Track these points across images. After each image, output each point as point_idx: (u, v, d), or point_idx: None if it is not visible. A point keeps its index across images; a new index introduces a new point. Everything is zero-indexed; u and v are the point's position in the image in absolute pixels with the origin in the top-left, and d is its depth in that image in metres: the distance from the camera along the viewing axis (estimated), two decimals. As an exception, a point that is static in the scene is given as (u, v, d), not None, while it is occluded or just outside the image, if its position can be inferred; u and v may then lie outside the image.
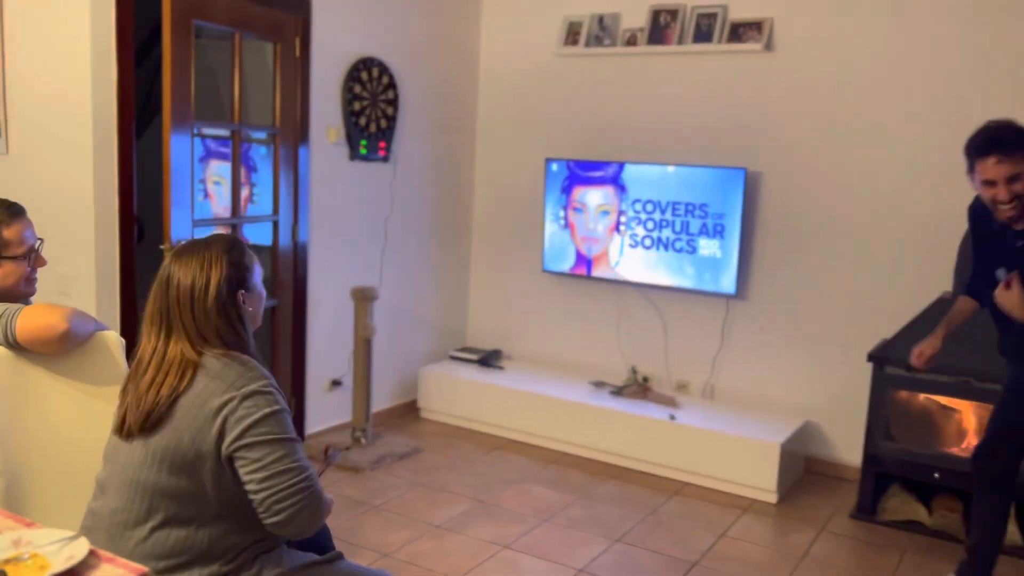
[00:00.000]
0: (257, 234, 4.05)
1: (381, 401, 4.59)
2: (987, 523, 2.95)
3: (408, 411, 4.80)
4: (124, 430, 1.74)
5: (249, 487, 1.65)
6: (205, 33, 3.87)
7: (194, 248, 1.80)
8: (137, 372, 1.77)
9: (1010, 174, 2.48)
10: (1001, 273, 2.64)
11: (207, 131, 3.75)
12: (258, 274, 1.86)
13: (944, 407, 3.62)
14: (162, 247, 3.31)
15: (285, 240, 3.94)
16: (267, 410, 1.67)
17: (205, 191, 4.36)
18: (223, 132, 3.79)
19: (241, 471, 1.66)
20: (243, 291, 1.78)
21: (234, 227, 3.71)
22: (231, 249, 1.80)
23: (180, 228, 3.29)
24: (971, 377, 3.36)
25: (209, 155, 4.36)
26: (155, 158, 3.38)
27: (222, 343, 1.74)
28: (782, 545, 3.41)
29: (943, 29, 3.73)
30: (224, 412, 1.66)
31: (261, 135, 3.96)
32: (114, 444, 1.79)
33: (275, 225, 3.91)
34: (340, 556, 1.96)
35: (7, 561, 1.36)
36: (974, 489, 3.00)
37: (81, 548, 1.41)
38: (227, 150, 3.85)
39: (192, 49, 3.27)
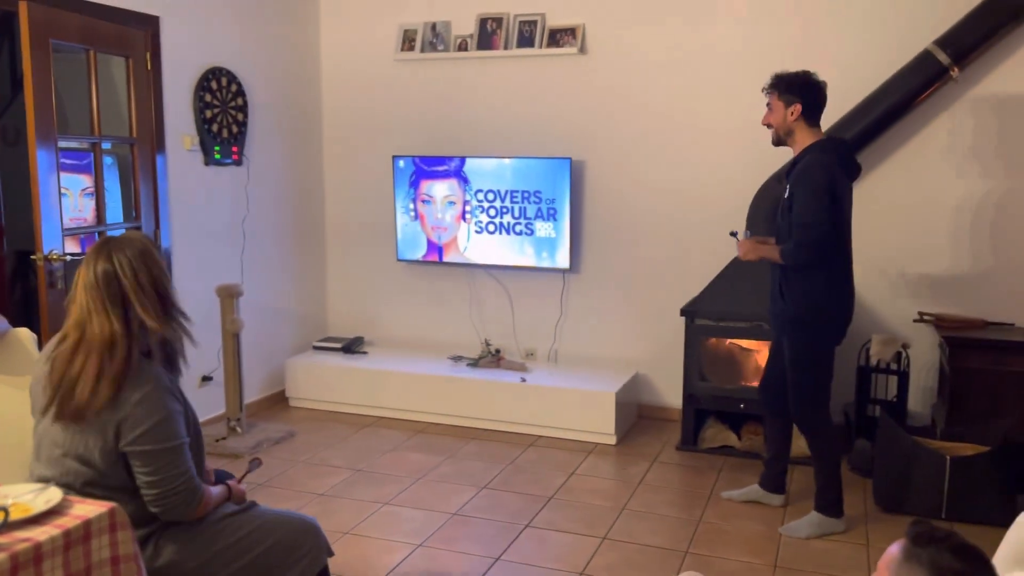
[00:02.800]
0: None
1: (250, 393, 4.82)
2: (776, 439, 3.63)
3: (277, 401, 5.06)
4: (49, 414, 2.00)
5: (138, 482, 1.99)
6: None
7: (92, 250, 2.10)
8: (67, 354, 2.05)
9: (767, 103, 3.29)
10: (740, 233, 3.47)
11: (69, 144, 3.87)
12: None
13: (744, 348, 4.35)
14: (33, 257, 3.44)
15: (149, 245, 4.10)
16: (156, 418, 1.98)
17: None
18: (83, 144, 3.93)
19: (133, 469, 1.99)
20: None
21: (100, 235, 3.86)
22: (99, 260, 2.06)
23: (51, 238, 3.43)
24: (763, 321, 4.06)
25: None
26: None
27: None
28: (622, 476, 4.00)
29: (735, 29, 4.43)
30: (119, 416, 1.95)
31: (107, 145, 4.09)
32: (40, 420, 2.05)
33: (138, 231, 4.08)
34: (254, 504, 2.31)
35: (-8, 511, 1.63)
36: (763, 414, 3.68)
37: (55, 494, 1.70)
38: (71, 162, 3.98)
39: (51, 67, 3.42)
